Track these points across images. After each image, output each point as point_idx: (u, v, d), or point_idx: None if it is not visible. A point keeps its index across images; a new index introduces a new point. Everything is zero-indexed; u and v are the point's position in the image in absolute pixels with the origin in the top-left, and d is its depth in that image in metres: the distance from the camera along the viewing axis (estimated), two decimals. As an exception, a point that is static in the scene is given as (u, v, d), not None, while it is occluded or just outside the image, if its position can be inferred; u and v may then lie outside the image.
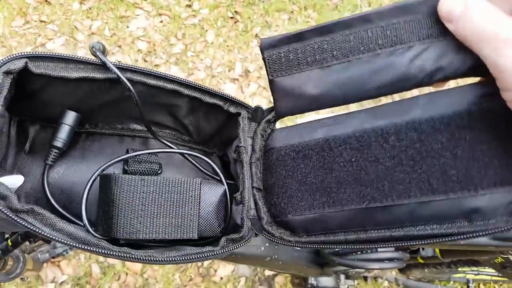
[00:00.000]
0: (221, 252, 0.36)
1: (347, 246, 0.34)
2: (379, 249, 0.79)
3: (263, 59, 0.38)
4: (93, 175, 0.38)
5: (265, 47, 0.37)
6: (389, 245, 0.32)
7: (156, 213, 0.36)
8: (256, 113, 0.42)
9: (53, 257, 1.12)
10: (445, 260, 0.81)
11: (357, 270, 0.96)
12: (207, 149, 0.50)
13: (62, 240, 0.31)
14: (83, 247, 0.32)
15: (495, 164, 0.29)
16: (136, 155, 0.41)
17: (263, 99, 1.86)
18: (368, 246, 0.33)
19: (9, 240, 0.43)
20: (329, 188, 0.35)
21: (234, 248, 0.37)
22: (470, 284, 1.05)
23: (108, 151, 0.43)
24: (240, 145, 0.40)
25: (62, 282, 1.25)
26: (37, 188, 0.40)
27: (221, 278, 1.29)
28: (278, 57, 0.37)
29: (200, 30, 2.05)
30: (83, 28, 1.95)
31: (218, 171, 0.42)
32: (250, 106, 0.42)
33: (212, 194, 0.39)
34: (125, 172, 0.42)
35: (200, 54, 1.92)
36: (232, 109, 0.41)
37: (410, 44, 0.33)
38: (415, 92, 0.35)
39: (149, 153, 0.42)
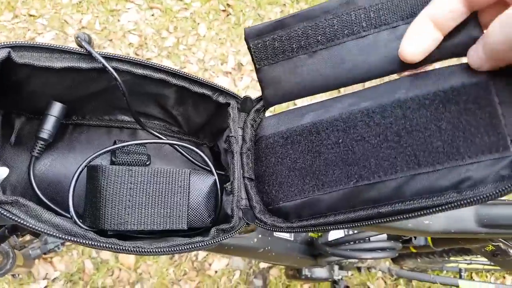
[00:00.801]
0: (212, 243, 0.35)
1: (336, 227, 0.34)
2: (371, 238, 0.79)
3: (248, 48, 0.37)
4: (79, 166, 0.37)
5: (249, 36, 0.37)
6: (377, 222, 0.32)
7: (144, 203, 0.35)
8: (245, 103, 0.41)
9: (44, 253, 1.11)
10: (437, 249, 0.81)
11: (350, 260, 0.96)
12: (197, 140, 0.49)
13: (48, 232, 0.31)
14: (69, 238, 0.31)
15: (481, 132, 0.29)
16: (123, 146, 0.40)
17: (257, 92, 1.86)
18: (356, 225, 0.33)
19: (-5, 234, 0.42)
20: (318, 171, 0.35)
21: (225, 238, 0.36)
22: (462, 273, 1.06)
23: (96, 142, 0.43)
24: (231, 135, 0.39)
25: (55, 278, 1.24)
26: (24, 181, 0.39)
27: (216, 272, 1.29)
28: (264, 45, 0.37)
29: (192, 23, 2.03)
30: (73, 22, 1.93)
31: (208, 161, 0.42)
32: (239, 96, 0.41)
33: (201, 184, 0.39)
34: (112, 163, 0.41)
35: (192, 48, 1.91)
36: (221, 99, 0.41)
37: (394, 24, 0.32)
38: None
39: (137, 144, 0.42)
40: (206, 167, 0.44)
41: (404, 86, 0.33)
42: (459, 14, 0.30)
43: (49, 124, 0.39)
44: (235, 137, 0.39)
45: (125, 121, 0.45)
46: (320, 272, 0.95)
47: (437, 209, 0.29)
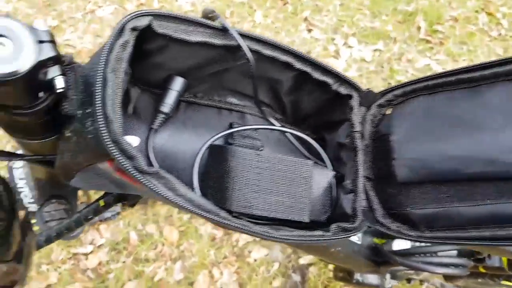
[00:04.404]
0: (332, 238, 0.34)
1: (478, 243, 0.31)
2: (439, 253, 0.76)
3: None
4: (204, 144, 0.37)
5: None
6: None
7: (269, 190, 0.34)
8: (367, 97, 0.39)
9: (100, 220, 1.15)
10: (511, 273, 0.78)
11: (406, 271, 0.94)
12: (298, 130, 0.48)
13: (185, 205, 0.30)
14: (204, 214, 0.31)
15: None
16: (245, 129, 0.39)
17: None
18: (503, 243, 0.30)
19: (101, 201, 0.42)
20: (459, 182, 0.32)
21: (345, 237, 0.35)
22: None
23: (208, 122, 0.42)
24: (355, 130, 0.38)
25: (101, 245, 1.27)
26: (141, 152, 0.39)
27: (255, 260, 1.29)
28: None
29: (248, 10, 2.01)
30: (133, -2, 1.94)
31: (325, 155, 0.40)
32: (362, 88, 0.39)
33: (320, 178, 0.38)
34: (228, 145, 0.41)
35: (247, 34, 1.89)
36: (342, 90, 0.39)
37: None
38: None
39: (251, 129, 0.41)
40: (317, 160, 0.42)
41: None
42: None
43: (171, 98, 0.39)
44: (359, 133, 0.38)
45: (233, 104, 0.44)
46: (372, 278, 0.93)
47: None
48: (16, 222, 0.33)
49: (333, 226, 0.35)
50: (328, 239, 0.34)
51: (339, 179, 0.39)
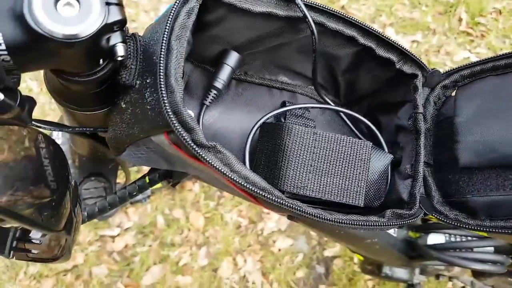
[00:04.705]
0: (387, 225, 0.33)
1: None
2: (475, 249, 0.74)
3: None
4: (257, 122, 0.36)
5: None
6: None
7: (325, 171, 0.33)
8: (432, 77, 0.37)
9: (131, 203, 1.16)
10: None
11: (436, 266, 0.91)
12: (350, 112, 0.46)
13: (239, 182, 0.29)
14: (258, 191, 0.30)
15: None
16: (299, 108, 0.38)
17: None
18: None
19: (147, 178, 0.42)
20: None
21: (400, 224, 0.33)
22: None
23: (258, 101, 0.41)
24: (419, 111, 0.36)
25: (128, 228, 1.29)
26: None
27: (279, 250, 1.28)
28: None
29: None
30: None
31: (381, 138, 0.39)
32: (428, 67, 0.37)
33: (378, 162, 0.36)
34: None
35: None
36: (406, 69, 0.37)
37: None
38: None
39: (304, 108, 0.39)
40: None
41: None
42: None
43: (225, 74, 0.38)
44: (423, 115, 0.36)
45: (285, 83, 0.43)
46: (401, 272, 0.91)
47: None
48: (68, 192, 0.32)
49: (388, 212, 0.33)
50: (383, 226, 0.32)
51: (395, 164, 0.37)
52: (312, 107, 0.39)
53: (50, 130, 0.35)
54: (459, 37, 1.58)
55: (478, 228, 0.32)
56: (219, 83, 0.37)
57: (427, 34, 1.59)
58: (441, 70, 0.38)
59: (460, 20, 1.60)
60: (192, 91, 0.39)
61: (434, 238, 0.77)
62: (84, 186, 0.56)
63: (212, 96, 0.38)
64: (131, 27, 1.67)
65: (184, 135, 0.28)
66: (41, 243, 0.36)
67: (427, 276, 0.97)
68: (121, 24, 0.27)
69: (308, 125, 0.39)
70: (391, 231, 0.70)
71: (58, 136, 0.64)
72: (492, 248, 0.74)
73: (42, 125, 0.34)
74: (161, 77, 0.27)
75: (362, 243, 0.63)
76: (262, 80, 0.42)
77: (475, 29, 1.59)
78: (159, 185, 0.46)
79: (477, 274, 1.00)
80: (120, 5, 0.27)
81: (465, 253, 0.70)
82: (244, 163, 0.35)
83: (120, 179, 0.97)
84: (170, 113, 0.27)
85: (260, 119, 0.36)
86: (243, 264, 1.27)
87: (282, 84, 0.43)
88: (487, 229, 0.32)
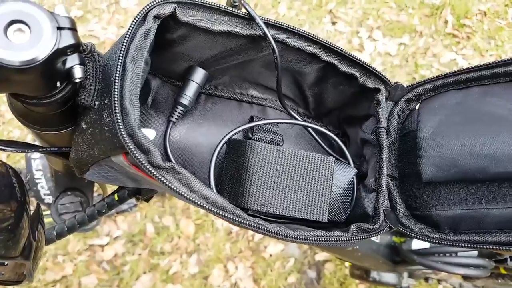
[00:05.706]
0: (351, 239, 0.33)
1: (505, 248, 0.29)
2: (459, 254, 0.74)
3: None
4: (222, 139, 0.36)
5: None
6: None
7: (288, 187, 0.33)
8: (395, 91, 0.37)
9: (117, 212, 1.15)
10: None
11: (424, 270, 0.91)
12: (320, 125, 0.46)
13: (199, 202, 0.29)
14: (218, 212, 0.29)
15: None
16: (266, 123, 0.38)
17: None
18: None
19: (116, 195, 0.42)
20: (489, 182, 0.30)
21: (364, 238, 0.33)
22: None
23: (228, 115, 0.41)
24: (381, 126, 0.36)
25: (117, 237, 1.29)
26: (157, 146, 0.38)
27: (270, 255, 1.28)
28: None
29: (273, 1, 1.98)
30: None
31: (346, 152, 0.39)
32: (390, 82, 0.37)
33: (341, 176, 0.36)
34: (247, 139, 0.39)
35: (268, 27, 1.87)
36: (370, 83, 0.37)
37: None
38: None
39: (272, 123, 0.39)
40: (339, 157, 0.40)
41: None
42: None
43: (191, 90, 0.37)
44: (385, 129, 0.36)
45: (255, 97, 0.43)
46: (389, 277, 0.91)
47: None
48: (26, 216, 0.32)
49: (352, 227, 0.33)
50: (347, 240, 0.32)
51: (360, 177, 0.37)
52: (279, 123, 0.39)
53: (12, 152, 0.35)
54: (446, 39, 1.58)
55: (443, 242, 0.32)
56: (185, 100, 0.37)
57: (414, 36, 1.60)
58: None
59: (446, 22, 1.61)
60: (161, 106, 0.39)
61: (419, 243, 0.77)
62: (60, 201, 0.56)
63: (179, 113, 0.37)
64: (119, 33, 1.67)
65: (139, 157, 0.27)
66: (6, 265, 0.35)
67: (416, 279, 0.97)
68: (74, 48, 0.27)
69: (275, 140, 0.39)
70: (373, 237, 0.70)
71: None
72: (476, 252, 0.74)
73: (3, 147, 0.34)
74: (115, 99, 0.27)
75: (344, 251, 0.63)
76: (232, 94, 0.42)
77: (461, 31, 1.60)
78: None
79: (466, 276, 1.00)
80: (73, 29, 0.27)
81: (449, 258, 0.70)
82: (209, 180, 0.35)
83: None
84: (124, 136, 0.27)
85: (226, 135, 0.36)
86: (234, 271, 1.26)
87: (252, 98, 0.42)
88: (451, 243, 0.32)
